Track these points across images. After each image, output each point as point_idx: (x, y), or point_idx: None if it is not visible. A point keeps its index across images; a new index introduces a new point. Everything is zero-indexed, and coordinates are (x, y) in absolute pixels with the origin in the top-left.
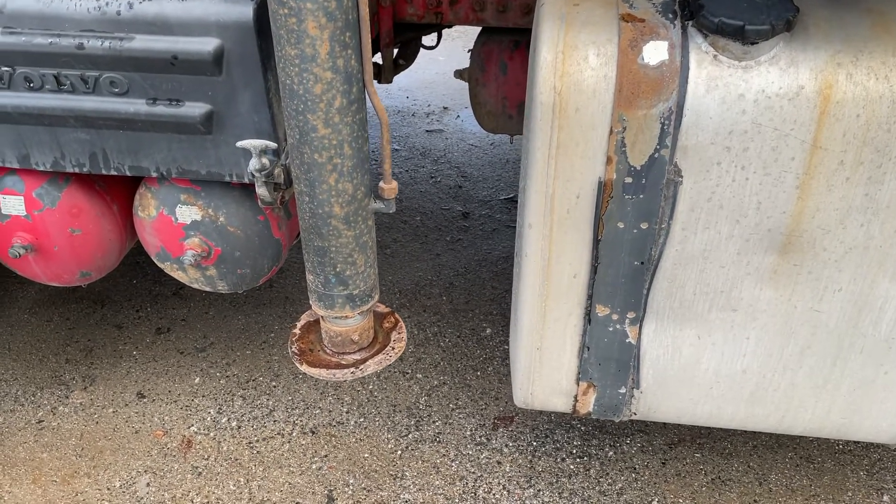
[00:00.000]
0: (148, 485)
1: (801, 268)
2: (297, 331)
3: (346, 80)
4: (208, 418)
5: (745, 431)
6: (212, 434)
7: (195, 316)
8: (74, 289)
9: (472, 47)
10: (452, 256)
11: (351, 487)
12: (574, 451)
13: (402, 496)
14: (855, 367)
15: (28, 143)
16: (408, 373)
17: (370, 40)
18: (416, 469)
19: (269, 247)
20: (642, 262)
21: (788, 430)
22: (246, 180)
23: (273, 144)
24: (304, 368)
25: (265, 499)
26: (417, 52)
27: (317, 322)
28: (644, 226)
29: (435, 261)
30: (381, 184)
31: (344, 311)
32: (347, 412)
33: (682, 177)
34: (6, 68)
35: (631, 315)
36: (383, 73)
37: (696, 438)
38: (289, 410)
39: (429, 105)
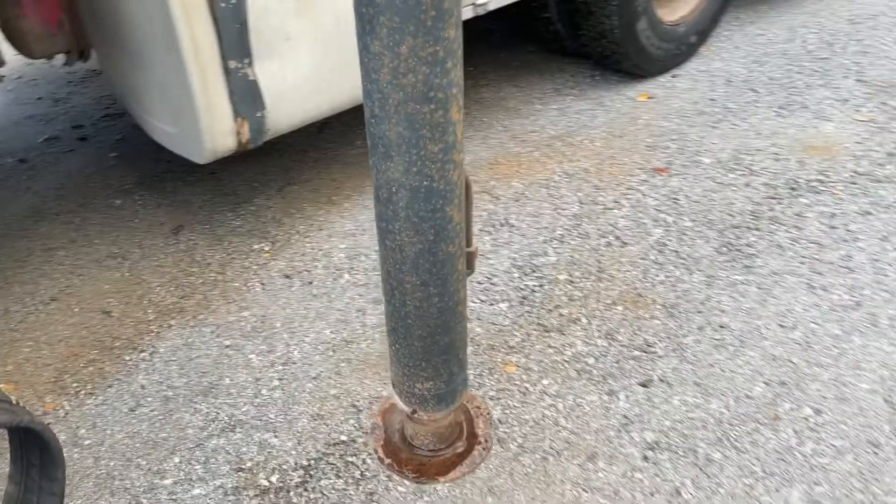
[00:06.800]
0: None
1: (312, 4)
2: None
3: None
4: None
5: (296, 172)
6: None
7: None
8: None
9: None
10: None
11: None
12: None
13: None
14: (344, 55)
15: None
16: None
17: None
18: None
19: None
20: (240, 24)
21: (342, 105)
22: None
23: None
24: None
25: None
26: None
27: (386, 443)
28: (234, 1)
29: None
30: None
31: (464, 395)
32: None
33: None
34: None
35: (246, 61)
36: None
37: (294, 182)
38: None
39: None
